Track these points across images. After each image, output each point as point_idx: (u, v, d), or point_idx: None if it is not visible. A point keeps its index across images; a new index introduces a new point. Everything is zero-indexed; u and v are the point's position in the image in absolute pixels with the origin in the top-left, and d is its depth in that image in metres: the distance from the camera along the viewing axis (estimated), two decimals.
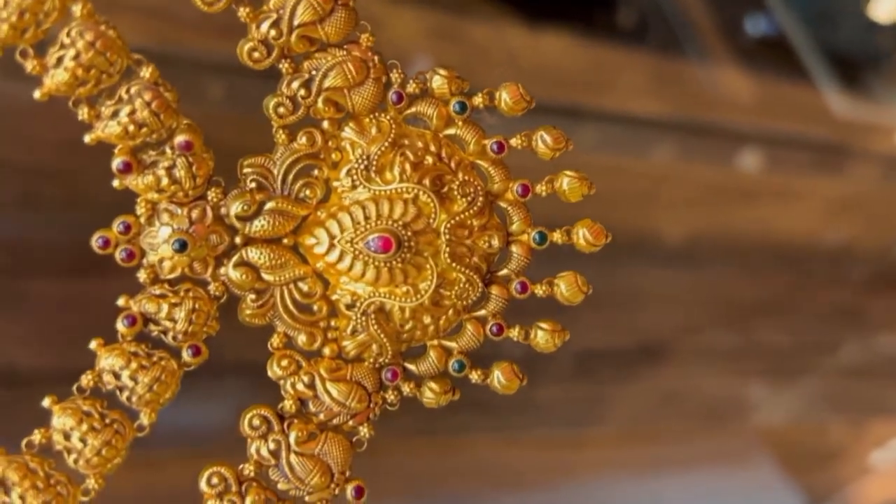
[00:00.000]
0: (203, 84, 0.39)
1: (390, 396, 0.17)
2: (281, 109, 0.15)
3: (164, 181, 0.15)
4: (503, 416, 0.43)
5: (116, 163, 0.16)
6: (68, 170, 0.37)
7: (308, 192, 0.15)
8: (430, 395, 0.18)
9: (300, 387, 0.16)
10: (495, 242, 0.17)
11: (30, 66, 0.16)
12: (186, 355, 0.16)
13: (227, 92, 0.39)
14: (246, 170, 0.16)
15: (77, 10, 0.16)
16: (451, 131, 0.16)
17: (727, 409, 0.52)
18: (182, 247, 0.15)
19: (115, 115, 0.15)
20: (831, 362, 0.55)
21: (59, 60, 0.15)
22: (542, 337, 0.18)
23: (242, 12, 0.16)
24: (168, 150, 0.15)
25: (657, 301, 0.49)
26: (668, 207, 0.50)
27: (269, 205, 0.16)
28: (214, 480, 0.17)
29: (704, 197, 0.52)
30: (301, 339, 0.16)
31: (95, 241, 0.16)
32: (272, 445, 0.16)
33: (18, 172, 0.36)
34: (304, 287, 0.16)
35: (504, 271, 0.17)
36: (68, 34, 0.16)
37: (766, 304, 0.55)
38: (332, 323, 0.16)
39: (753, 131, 0.55)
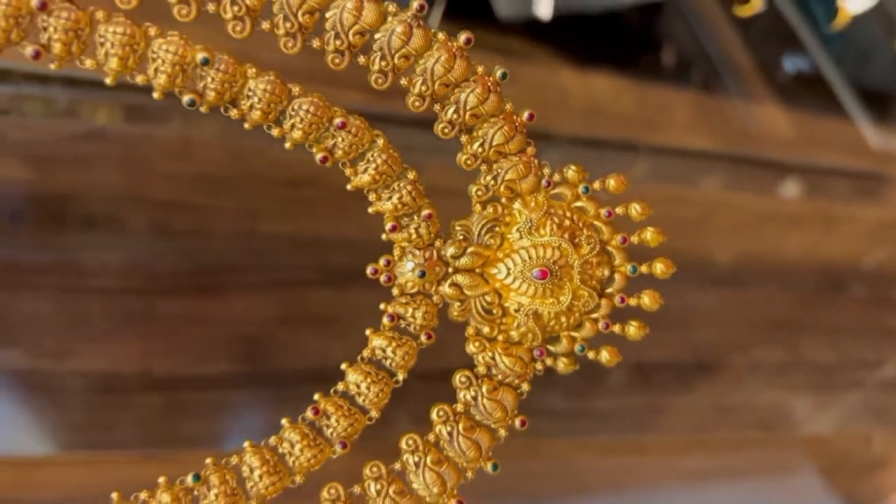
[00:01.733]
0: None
1: (538, 366, 0.25)
2: (478, 192, 0.24)
3: (413, 236, 0.23)
4: (571, 422, 0.47)
5: (388, 225, 0.24)
6: (195, 204, 0.42)
7: (492, 240, 0.22)
8: (562, 366, 0.25)
9: (485, 358, 0.24)
10: (606, 272, 0.24)
11: (349, 172, 0.24)
12: (423, 339, 0.24)
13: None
14: (457, 227, 0.24)
15: (381, 142, 0.23)
16: (579, 203, 0.24)
17: (775, 420, 0.55)
18: (422, 275, 0.23)
19: (389, 199, 0.20)
20: (874, 377, 0.58)
21: (365, 170, 0.23)
22: (633, 331, 0.26)
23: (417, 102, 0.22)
24: (416, 217, 0.21)
25: (710, 319, 0.52)
26: (718, 233, 0.54)
27: (470, 249, 0.23)
28: (441, 413, 0.25)
29: (751, 223, 0.55)
30: (485, 330, 0.24)
31: (369, 270, 0.25)
32: (472, 393, 0.24)
33: (153, 205, 0.41)
34: (488, 298, 0.22)
35: (610, 290, 0.25)
36: (371, 155, 0.22)
37: (811, 322, 0.58)
38: (504, 320, 0.22)
39: (795, 162, 0.58)
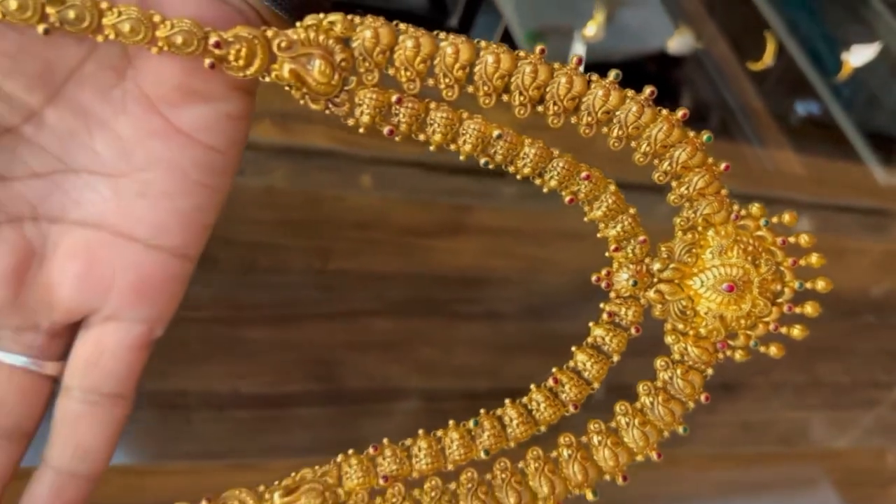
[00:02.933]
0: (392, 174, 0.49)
1: (720, 355, 0.29)
2: (681, 222, 0.28)
3: (630, 254, 0.28)
4: None
5: (612, 247, 0.28)
6: (276, 245, 0.47)
7: (689, 259, 0.28)
8: (738, 356, 0.29)
9: (679, 348, 0.29)
10: (778, 287, 0.29)
11: (586, 209, 0.29)
12: (633, 331, 0.29)
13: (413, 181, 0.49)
14: (662, 248, 0.28)
15: (612, 188, 0.28)
16: (759, 233, 0.28)
17: (794, 437, 0.59)
18: (634, 283, 0.28)
19: (614, 227, 0.28)
20: (886, 397, 0.61)
21: (599, 207, 0.28)
22: (797, 332, 0.29)
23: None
24: (633, 241, 0.28)
25: None
26: None
27: (672, 265, 0.28)
28: (645, 387, 0.30)
29: None
30: (679, 326, 0.28)
31: (594, 278, 0.29)
32: (668, 375, 0.29)
33: (240, 246, 0.46)
34: (683, 303, 0.28)
35: (780, 300, 0.29)
36: (604, 196, 0.28)
37: (825, 347, 0.62)
38: (695, 320, 0.28)
39: (807, 200, 0.63)
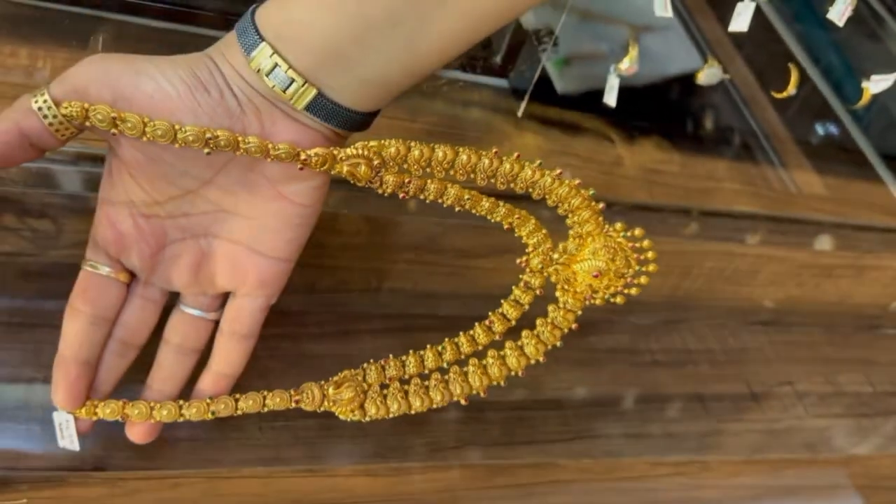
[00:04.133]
0: None
1: (587, 303, 0.45)
2: (573, 232, 0.44)
3: (540, 251, 0.43)
4: (645, 444, 0.54)
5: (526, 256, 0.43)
6: (338, 266, 0.51)
7: (576, 252, 0.43)
8: (597, 302, 0.45)
9: (563, 299, 0.45)
10: (626, 269, 0.44)
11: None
12: (537, 292, 0.45)
13: None
14: (560, 245, 0.44)
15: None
16: (619, 240, 0.44)
17: (819, 444, 0.62)
18: (541, 267, 0.43)
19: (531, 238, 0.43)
20: None
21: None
22: (632, 291, 0.44)
23: None
24: (545, 247, 0.42)
25: (760, 356, 0.59)
26: (765, 283, 0.61)
27: (565, 256, 0.44)
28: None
29: (792, 273, 0.62)
30: (565, 287, 0.45)
31: (518, 260, 0.44)
32: (554, 314, 0.45)
33: (306, 268, 0.49)
34: (569, 275, 0.44)
35: (625, 274, 0.45)
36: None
37: (848, 359, 0.65)
38: (574, 284, 0.44)
39: (828, 220, 0.66)
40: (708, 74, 0.58)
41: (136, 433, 0.41)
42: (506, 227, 0.42)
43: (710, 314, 0.59)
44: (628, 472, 0.54)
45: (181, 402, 0.41)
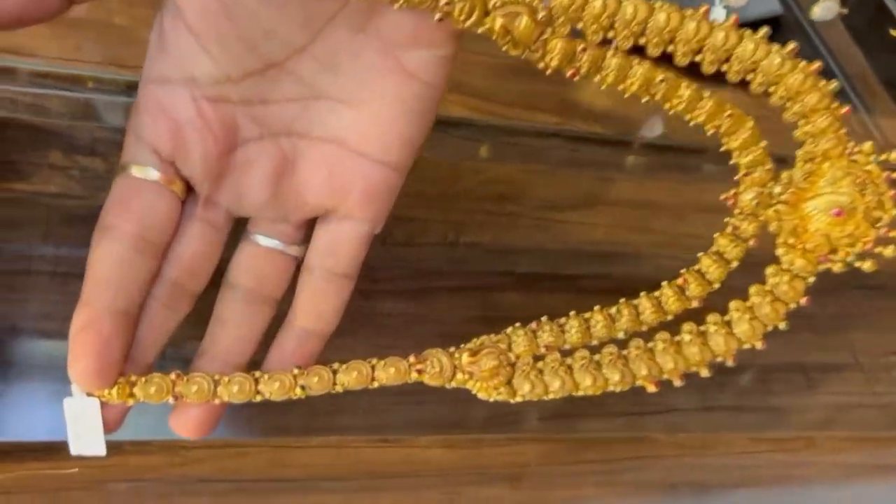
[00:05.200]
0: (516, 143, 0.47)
1: (821, 267, 0.31)
2: (803, 155, 0.31)
3: (756, 180, 0.32)
4: (747, 417, 0.49)
5: (743, 172, 0.32)
6: (413, 217, 0.45)
7: (806, 185, 0.31)
8: (837, 268, 0.31)
9: (788, 259, 0.32)
10: (879, 214, 0.31)
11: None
12: (751, 242, 0.33)
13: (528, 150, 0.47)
14: (782, 175, 0.31)
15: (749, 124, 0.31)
16: (868, 167, 0.30)
17: None
18: (758, 202, 0.32)
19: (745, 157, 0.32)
20: None
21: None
22: (891, 251, 0.30)
23: None
24: (760, 168, 0.32)
25: (865, 324, 0.54)
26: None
27: (790, 189, 0.31)
28: (757, 289, 0.32)
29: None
30: (790, 241, 0.32)
31: (722, 196, 0.33)
32: (776, 280, 0.32)
33: None
34: (796, 221, 0.31)
35: (880, 224, 0.31)
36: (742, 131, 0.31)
37: None
38: (804, 237, 0.32)
39: None
40: (823, 8, 0.51)
41: (191, 423, 0.29)
42: (709, 130, 0.31)
43: None
44: (726, 447, 0.48)
45: (256, 373, 0.30)
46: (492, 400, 0.31)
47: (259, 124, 0.29)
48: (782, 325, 0.32)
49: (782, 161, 0.32)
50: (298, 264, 0.31)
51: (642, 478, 0.50)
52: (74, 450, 0.28)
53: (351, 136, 0.29)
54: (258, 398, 0.29)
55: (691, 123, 0.30)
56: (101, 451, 0.28)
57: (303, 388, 0.30)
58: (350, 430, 0.41)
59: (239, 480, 0.41)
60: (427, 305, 0.46)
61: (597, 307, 0.33)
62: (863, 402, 0.52)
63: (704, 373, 0.32)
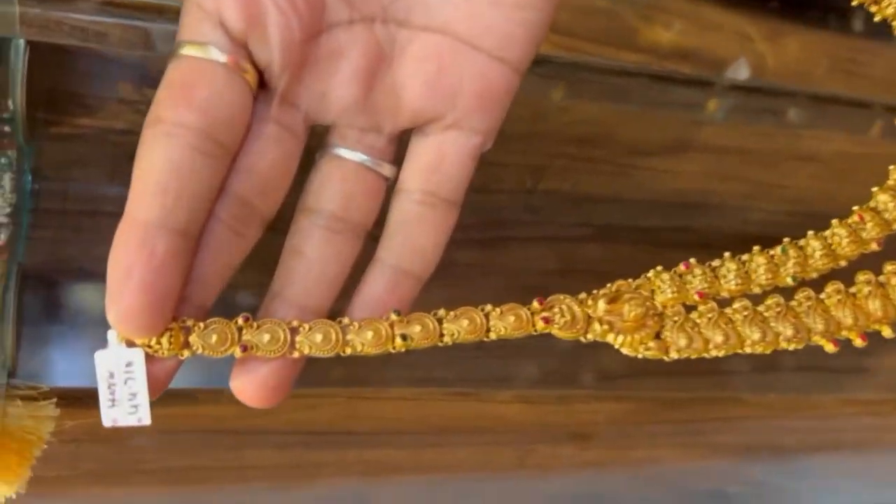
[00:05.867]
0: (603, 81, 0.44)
1: None
2: None
3: None
4: (840, 379, 0.46)
5: None
6: (489, 161, 0.43)
7: None
8: None
9: None
10: None
11: None
12: None
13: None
14: None
15: None
16: None
17: None
18: None
19: None
20: None
21: None
22: None
23: None
24: None
25: None
26: None
27: None
28: None
29: None
30: None
31: None
32: None
33: None
34: None
35: None
36: None
37: None
38: None
39: None
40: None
41: (259, 385, 0.23)
42: None
43: None
44: (813, 410, 0.46)
45: (344, 320, 0.24)
46: (640, 356, 0.26)
47: (350, 5, 0.23)
48: None
49: None
50: (391, 187, 0.26)
51: (721, 440, 0.48)
52: (108, 419, 0.22)
53: (462, 25, 0.24)
54: (347, 350, 0.24)
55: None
56: (145, 419, 0.22)
57: (404, 338, 0.24)
58: (428, 381, 0.39)
59: (309, 433, 0.40)
60: (501, 255, 0.44)
61: (756, 248, 0.28)
62: None
63: (888, 332, 0.26)
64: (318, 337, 0.23)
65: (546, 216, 0.44)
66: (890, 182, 0.28)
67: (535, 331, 0.25)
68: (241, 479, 0.40)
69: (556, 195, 0.44)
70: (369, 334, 0.24)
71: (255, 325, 0.23)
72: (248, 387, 0.23)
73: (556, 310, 0.25)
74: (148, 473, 0.40)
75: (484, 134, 0.25)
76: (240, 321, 0.23)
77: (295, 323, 0.23)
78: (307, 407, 0.38)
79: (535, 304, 0.25)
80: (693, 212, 0.46)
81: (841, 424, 0.47)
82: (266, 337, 0.23)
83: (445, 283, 0.43)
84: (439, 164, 0.25)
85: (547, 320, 0.25)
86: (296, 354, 0.23)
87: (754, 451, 0.49)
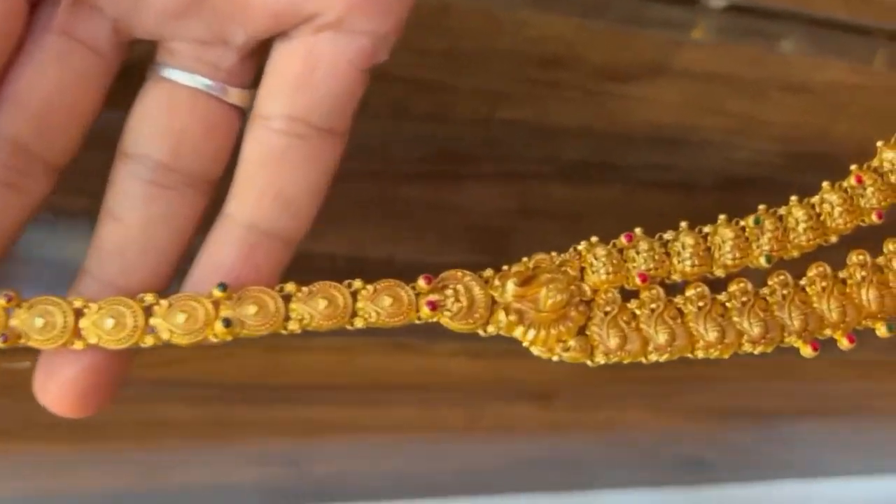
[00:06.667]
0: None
1: None
2: None
3: None
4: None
5: None
6: (438, 83, 0.38)
7: None
8: None
9: None
10: None
11: None
12: None
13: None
14: None
15: None
16: None
17: None
18: None
19: None
20: None
21: None
22: None
23: None
24: None
25: None
26: None
27: None
28: None
29: None
30: None
31: None
32: None
33: (396, 83, 0.37)
34: None
35: None
36: None
37: None
38: None
39: None
40: None
41: (58, 389, 0.18)
42: None
43: None
44: (798, 371, 0.41)
45: (147, 298, 0.18)
46: (553, 359, 0.20)
47: None
48: None
49: None
50: (243, 121, 0.20)
51: (696, 402, 0.43)
52: None
53: None
54: (148, 341, 0.18)
55: None
56: None
57: (227, 323, 0.18)
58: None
59: (226, 387, 0.35)
60: (453, 193, 0.38)
61: (722, 217, 0.21)
62: None
63: (882, 331, 0.21)
64: (109, 322, 0.18)
65: (505, 150, 0.39)
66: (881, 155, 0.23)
67: (419, 318, 0.20)
68: (150, 436, 0.35)
69: (516, 126, 0.39)
70: (180, 317, 0.18)
71: (28, 304, 0.18)
72: (48, 389, 0.18)
73: (450, 291, 0.20)
74: (45, 428, 0.35)
75: (371, 36, 0.19)
76: (2, 300, 0.18)
77: (78, 303, 0.18)
78: (221, 356, 0.33)
79: (421, 282, 0.20)
80: (672, 148, 0.41)
81: (829, 388, 0.42)
82: (38, 321, 0.17)
83: (388, 223, 0.38)
84: (309, 76, 0.19)
85: (433, 305, 0.19)
86: (78, 345, 0.18)
87: (734, 415, 0.44)
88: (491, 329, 0.20)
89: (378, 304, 0.19)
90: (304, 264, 0.35)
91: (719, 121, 0.40)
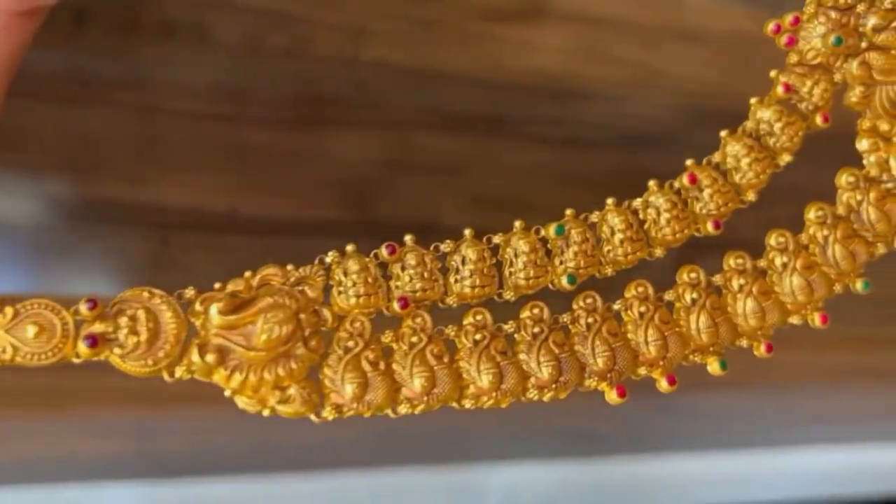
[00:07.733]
0: None
1: None
2: None
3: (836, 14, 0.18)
4: None
5: None
6: (296, 16, 0.33)
7: None
8: None
9: (878, 159, 0.18)
10: None
11: None
12: (819, 121, 0.19)
13: None
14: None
15: None
16: None
17: None
18: (837, 41, 0.18)
19: None
20: None
21: None
22: None
23: None
24: None
25: None
26: None
27: None
28: (819, 213, 0.19)
29: None
30: (884, 127, 0.18)
31: (776, 23, 0.19)
32: (858, 198, 0.18)
33: (246, 14, 0.32)
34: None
35: None
36: None
37: None
38: None
39: None
40: None
41: None
42: None
43: None
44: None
45: None
46: (265, 414, 0.15)
47: None
48: (860, 286, 0.20)
49: None
50: None
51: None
52: None
53: None
54: None
55: None
56: None
57: None
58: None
59: None
60: (314, 139, 0.34)
61: (517, 223, 0.18)
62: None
63: (714, 368, 0.18)
64: None
65: (374, 95, 0.35)
66: (747, 125, 0.20)
67: (77, 357, 0.14)
68: None
69: (385, 68, 0.35)
70: None
71: None
72: None
73: (125, 319, 0.15)
74: None
75: None
76: None
77: None
78: None
79: (84, 306, 0.15)
80: (558, 99, 0.37)
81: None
82: None
83: (241, 170, 0.34)
84: None
85: (94, 341, 0.14)
86: None
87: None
88: (179, 373, 0.15)
89: (16, 335, 0.14)
90: (132, 215, 0.31)
91: (610, 71, 0.37)
